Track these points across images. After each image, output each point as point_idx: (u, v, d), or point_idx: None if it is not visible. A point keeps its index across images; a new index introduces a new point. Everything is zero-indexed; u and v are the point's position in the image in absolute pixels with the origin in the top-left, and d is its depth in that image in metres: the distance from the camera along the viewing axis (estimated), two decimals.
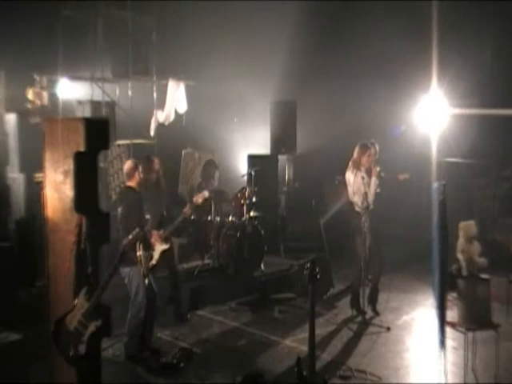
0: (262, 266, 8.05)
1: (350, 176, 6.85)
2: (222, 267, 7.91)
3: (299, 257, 8.06)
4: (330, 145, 9.79)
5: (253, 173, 8.35)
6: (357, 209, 6.77)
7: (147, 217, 5.90)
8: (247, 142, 10.72)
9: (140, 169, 5.72)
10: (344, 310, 7.05)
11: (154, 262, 5.90)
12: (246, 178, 8.85)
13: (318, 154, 10.12)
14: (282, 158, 10.20)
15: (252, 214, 8.18)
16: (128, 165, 5.78)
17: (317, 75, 10.40)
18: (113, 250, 5.22)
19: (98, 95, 9.24)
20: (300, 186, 10.48)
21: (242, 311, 7.07)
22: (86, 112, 8.73)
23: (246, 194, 8.10)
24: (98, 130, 4.58)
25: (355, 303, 6.85)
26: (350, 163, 6.87)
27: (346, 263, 8.36)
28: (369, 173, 6.77)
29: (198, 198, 6.57)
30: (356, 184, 6.73)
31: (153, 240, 5.94)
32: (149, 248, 5.64)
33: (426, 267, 6.13)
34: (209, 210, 8.07)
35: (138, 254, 5.46)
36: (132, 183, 5.70)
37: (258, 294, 7.51)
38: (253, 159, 9.71)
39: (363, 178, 6.67)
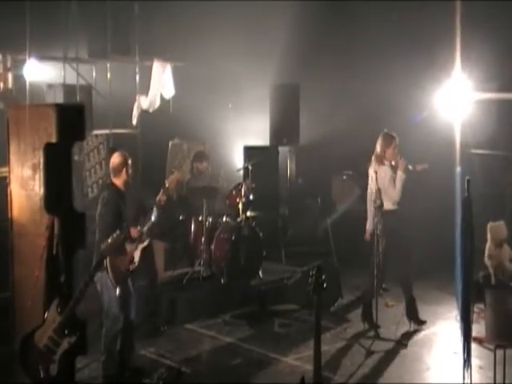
0: (261, 273, 8.02)
1: (372, 173, 6.82)
2: (215, 275, 7.89)
3: (303, 263, 8.03)
4: (339, 135, 9.78)
5: (250, 167, 8.32)
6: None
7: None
8: (243, 131, 10.71)
9: (129, 164, 5.64)
10: (355, 323, 7.03)
11: (135, 264, 5.85)
12: (241, 172, 8.83)
13: (324, 145, 10.12)
14: (283, 149, 10.20)
15: (249, 213, 8.15)
16: (115, 158, 5.66)
17: (323, 55, 10.39)
18: (89, 256, 5.22)
19: (71, 78, 9.19)
20: (304, 181, 10.49)
21: (237, 325, 7.04)
22: (58, 97, 8.70)
23: (242, 191, 8.08)
24: (72, 117, 4.58)
25: (367, 315, 6.84)
26: (373, 158, 6.85)
27: (357, 270, 8.36)
28: (394, 166, 6.74)
29: (171, 181, 6.51)
30: (379, 180, 6.71)
31: (133, 238, 5.87)
32: (122, 252, 5.54)
33: (449, 275, 6.16)
34: (199, 209, 8.05)
35: (108, 259, 5.31)
36: (117, 180, 5.62)
37: (255, 305, 7.49)
38: (250, 151, 9.70)
39: (376, 172, 6.66)
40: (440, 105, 7.06)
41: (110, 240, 4.98)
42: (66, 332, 4.40)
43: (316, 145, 10.32)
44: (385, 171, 6.69)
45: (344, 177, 10.10)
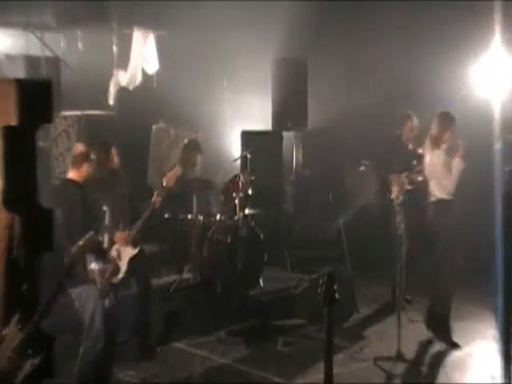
0: (261, 281, 8.04)
1: (426, 157, 7.03)
2: (207, 283, 7.90)
3: (311, 270, 8.06)
4: (354, 118, 9.79)
5: (248, 155, 8.34)
6: (432, 199, 6.88)
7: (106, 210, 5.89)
8: (241, 113, 10.72)
9: (92, 158, 5.67)
10: (372, 341, 7.06)
11: (121, 274, 5.94)
12: (239, 162, 8.82)
13: (336, 130, 10.12)
14: (287, 135, 10.20)
15: (247, 211, 8.18)
16: (77, 149, 5.74)
17: (335, 24, 10.35)
18: (57, 261, 5.18)
19: (35, 48, 9.21)
20: (312, 172, 10.47)
21: (233, 343, 7.05)
22: (19, 71, 8.73)
23: (240, 184, 8.07)
24: (36, 95, 4.52)
25: (441, 329, 6.86)
26: (427, 140, 7.00)
27: (375, 279, 8.37)
28: (450, 152, 6.84)
29: (170, 179, 6.54)
30: (431, 166, 6.89)
31: (117, 245, 5.97)
32: (104, 258, 5.57)
33: (487, 285, 6.12)
34: (189, 205, 8.03)
35: (90, 267, 5.38)
36: (75, 175, 5.64)
37: (255, 319, 7.52)
38: (248, 137, 9.74)
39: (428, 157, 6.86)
40: (476, 81, 7.08)
41: (81, 242, 4.95)
42: (29, 352, 4.37)
43: (327, 130, 10.32)
44: (438, 156, 6.84)
45: (361, 167, 10.10)
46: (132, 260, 6.13)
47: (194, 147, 8.57)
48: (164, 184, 6.52)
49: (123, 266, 6.03)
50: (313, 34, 10.25)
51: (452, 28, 9.08)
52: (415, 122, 7.90)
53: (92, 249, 5.30)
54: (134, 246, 6.26)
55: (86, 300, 5.49)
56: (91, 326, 5.50)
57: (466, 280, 7.86)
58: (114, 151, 6.57)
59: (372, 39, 9.92)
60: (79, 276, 5.30)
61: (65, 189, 5.72)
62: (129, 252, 6.14)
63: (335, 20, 10.34)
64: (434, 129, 6.96)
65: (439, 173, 6.83)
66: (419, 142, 7.36)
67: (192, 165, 8.45)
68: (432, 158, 6.92)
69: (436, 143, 6.91)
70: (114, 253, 6.22)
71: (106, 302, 5.57)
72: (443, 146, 6.88)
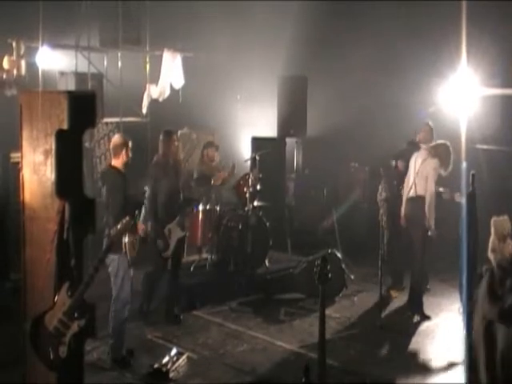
0: (267, 262, 8.04)
1: (416, 159, 6.91)
2: (222, 263, 7.92)
3: (308, 253, 8.03)
4: (345, 127, 9.73)
5: (257, 157, 8.31)
6: (412, 194, 6.80)
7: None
8: (251, 121, 10.67)
9: (130, 146, 5.66)
10: (359, 313, 7.06)
11: (169, 252, 5.93)
12: (249, 163, 8.83)
13: (330, 137, 10.07)
14: (290, 140, 10.17)
15: (256, 203, 8.17)
16: (115, 140, 5.73)
17: (331, 47, 10.32)
18: (98, 241, 5.24)
19: (83, 66, 9.21)
20: (310, 172, 10.45)
21: (243, 312, 7.07)
22: (70, 85, 8.71)
23: (250, 181, 8.07)
24: (83, 105, 4.55)
25: (415, 304, 6.91)
26: (425, 150, 6.88)
27: (362, 261, 8.37)
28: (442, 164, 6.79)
29: (218, 179, 7.52)
30: (421, 167, 6.76)
31: (170, 225, 6.07)
32: (135, 233, 5.56)
33: (453, 268, 6.16)
34: (207, 197, 8.06)
35: (125, 241, 5.40)
36: (117, 162, 5.65)
37: (261, 293, 7.52)
38: (257, 142, 9.66)
39: (421, 159, 6.76)
40: (445, 100, 7.04)
41: (119, 226, 4.98)
42: (76, 315, 4.42)
43: (323, 136, 10.26)
44: (434, 161, 6.71)
45: (351, 169, 10.08)
46: (179, 241, 6.14)
47: (211, 145, 8.59)
48: (212, 183, 7.42)
49: (172, 243, 5.97)
50: (312, 56, 10.23)
51: (425, 52, 9.02)
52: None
53: (127, 230, 5.32)
54: (182, 229, 6.31)
55: (119, 265, 5.49)
56: (121, 290, 5.52)
57: (434, 263, 7.88)
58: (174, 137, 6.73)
59: (360, 63, 9.86)
60: (118, 246, 5.34)
61: (107, 173, 5.74)
62: (178, 233, 6.14)
63: (331, 46, 10.30)
64: (420, 135, 6.92)
65: (429, 173, 6.70)
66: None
67: (211, 159, 8.45)
68: (428, 161, 6.75)
69: (426, 151, 6.80)
70: (166, 231, 6.26)
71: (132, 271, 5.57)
72: (434, 157, 6.75)
